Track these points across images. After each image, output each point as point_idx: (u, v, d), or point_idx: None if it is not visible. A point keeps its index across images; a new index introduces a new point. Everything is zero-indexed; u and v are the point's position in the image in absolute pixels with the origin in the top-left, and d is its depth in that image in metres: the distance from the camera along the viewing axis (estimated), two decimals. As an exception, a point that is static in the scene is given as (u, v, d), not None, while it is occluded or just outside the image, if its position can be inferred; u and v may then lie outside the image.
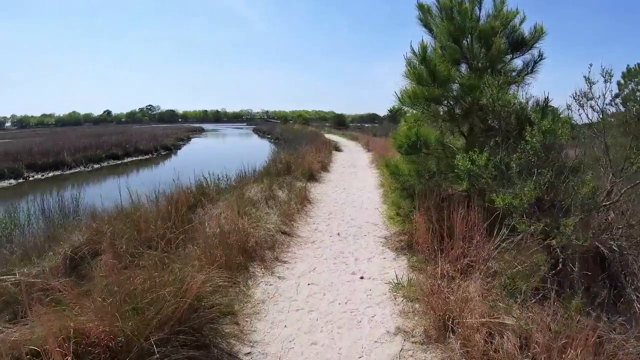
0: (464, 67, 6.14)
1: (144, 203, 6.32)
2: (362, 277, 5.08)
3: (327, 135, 38.39)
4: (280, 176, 11.12)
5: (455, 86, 5.85)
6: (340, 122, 75.64)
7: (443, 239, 4.79)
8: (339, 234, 7.03)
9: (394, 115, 72.54)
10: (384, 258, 5.73)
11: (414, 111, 6.06)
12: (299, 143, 22.18)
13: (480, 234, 4.50)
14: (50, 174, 24.23)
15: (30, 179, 22.97)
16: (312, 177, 12.15)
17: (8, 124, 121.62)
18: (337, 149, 24.53)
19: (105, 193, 7.35)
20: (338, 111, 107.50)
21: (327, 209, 8.92)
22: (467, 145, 5.78)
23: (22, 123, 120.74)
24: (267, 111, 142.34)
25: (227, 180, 10.87)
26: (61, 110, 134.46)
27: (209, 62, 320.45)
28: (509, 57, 6.13)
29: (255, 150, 28.13)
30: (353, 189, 11.04)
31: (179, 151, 38.97)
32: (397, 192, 6.10)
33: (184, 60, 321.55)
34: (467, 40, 5.98)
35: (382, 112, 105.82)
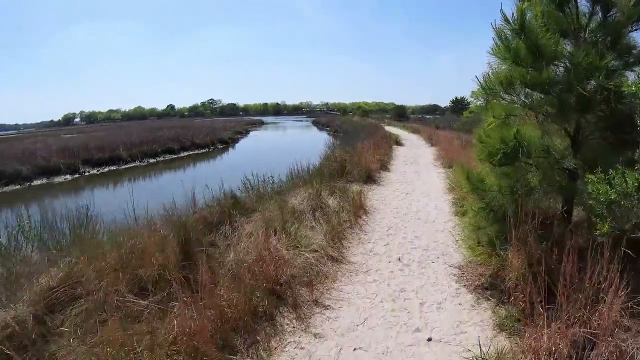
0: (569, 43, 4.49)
1: (157, 222, 5.12)
2: (429, 339, 3.64)
3: (387, 128, 36.66)
4: (333, 179, 9.80)
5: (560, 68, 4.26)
6: (400, 114, 73.48)
7: (549, 291, 3.26)
8: (399, 259, 5.60)
9: (456, 107, 69.59)
10: (459, 304, 4.24)
11: (501, 102, 4.47)
12: (357, 137, 21.08)
13: (614, 294, 2.94)
14: (106, 169, 24.33)
15: (86, 174, 23.08)
16: (369, 179, 10.78)
17: (77, 120, 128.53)
18: (398, 142, 22.85)
19: (142, 195, 6.27)
20: (398, 102, 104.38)
21: (386, 221, 7.46)
22: (576, 151, 4.18)
23: (90, 118, 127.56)
24: (327, 103, 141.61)
25: (273, 183, 9.71)
26: (127, 106, 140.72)
27: (268, 56, 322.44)
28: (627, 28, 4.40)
29: (312, 144, 26.75)
30: (416, 194, 9.54)
31: (236, 144, 38.65)
32: (482, 214, 4.50)
33: (244, 54, 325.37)
34: (569, 6, 4.33)
35: (443, 102, 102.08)
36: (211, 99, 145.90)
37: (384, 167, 12.93)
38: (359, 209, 7.59)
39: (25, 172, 20.63)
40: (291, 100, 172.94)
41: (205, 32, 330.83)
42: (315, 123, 69.67)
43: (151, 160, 27.21)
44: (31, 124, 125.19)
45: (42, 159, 22.46)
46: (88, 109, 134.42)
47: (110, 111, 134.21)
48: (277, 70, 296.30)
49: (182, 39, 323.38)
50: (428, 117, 77.93)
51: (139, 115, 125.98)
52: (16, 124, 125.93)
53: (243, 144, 40.13)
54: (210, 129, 41.69)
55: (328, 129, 50.66)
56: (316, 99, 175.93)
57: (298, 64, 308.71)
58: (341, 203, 7.70)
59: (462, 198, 8.01)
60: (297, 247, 5.34)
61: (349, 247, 6.04)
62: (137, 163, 26.13)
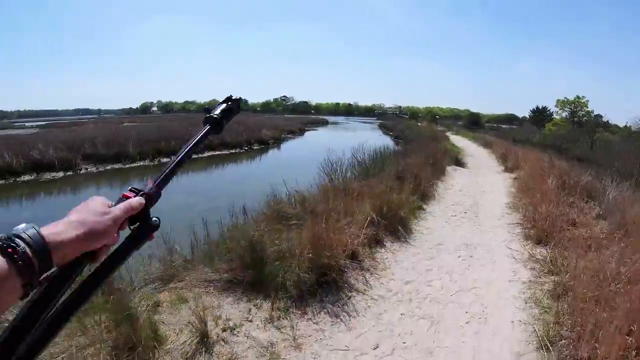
0: None
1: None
2: None
3: (454, 137, 29.37)
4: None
5: None
6: (474, 122, 65.56)
7: None
8: None
9: (537, 117, 60.08)
10: None
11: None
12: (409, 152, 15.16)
13: None
14: (108, 167, 19.90)
15: (82, 171, 18.79)
16: (331, 286, 3.96)
17: (154, 109, 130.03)
18: (459, 162, 15.58)
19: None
20: (474, 109, 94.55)
21: None
22: None
23: (166, 108, 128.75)
24: (400, 106, 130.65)
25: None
26: (203, 98, 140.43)
27: (343, 55, 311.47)
28: None
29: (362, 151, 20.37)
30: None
31: (282, 145, 33.28)
32: None
33: (319, 52, 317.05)
34: None
35: (521, 112, 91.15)
36: (284, 96, 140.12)
37: (403, 225, 6.13)
38: None
39: (15, 165, 16.87)
40: (364, 101, 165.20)
41: (281, 28, 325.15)
42: (380, 126, 62.72)
43: (164, 160, 22.06)
44: (112, 110, 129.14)
45: (37, 153, 18.21)
46: (167, 98, 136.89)
47: (186, 102, 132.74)
48: (352, 70, 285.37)
49: (260, 34, 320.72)
50: (504, 127, 68.97)
51: (212, 108, 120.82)
52: (99, 109, 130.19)
53: (289, 145, 34.57)
54: (256, 125, 36.49)
55: (391, 133, 44.26)
56: (389, 102, 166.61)
57: (373, 64, 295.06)
58: None
59: None
60: None
61: None
62: (147, 162, 21.43)
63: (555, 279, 4.34)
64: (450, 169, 13.38)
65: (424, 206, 7.85)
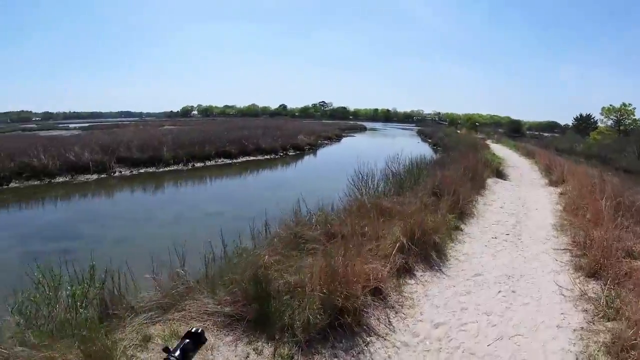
0: None
1: None
2: None
3: (494, 146, 28.16)
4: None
5: None
6: (515, 129, 63.24)
7: None
8: None
9: (580, 125, 57.19)
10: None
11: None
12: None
13: None
14: (142, 170, 19.97)
15: (116, 174, 18.91)
16: None
17: (195, 112, 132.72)
18: (500, 173, 14.72)
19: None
20: (514, 117, 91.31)
21: None
22: None
23: (206, 112, 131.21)
24: (439, 113, 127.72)
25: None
26: (242, 102, 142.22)
27: (381, 61, 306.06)
28: None
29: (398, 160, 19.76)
30: None
31: (318, 151, 33.05)
32: None
33: (357, 58, 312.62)
34: None
35: (564, 120, 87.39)
36: (322, 102, 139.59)
37: (437, 251, 5.45)
38: None
39: (51, 167, 17.20)
40: (402, 107, 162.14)
41: (317, 35, 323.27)
42: (419, 133, 61.50)
43: (198, 164, 22.28)
44: (154, 112, 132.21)
45: (73, 155, 18.58)
46: (207, 102, 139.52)
47: (226, 107, 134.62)
48: (390, 76, 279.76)
49: (297, 40, 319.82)
50: (546, 135, 65.82)
51: (252, 113, 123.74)
52: (140, 112, 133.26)
53: (325, 151, 34.32)
54: (293, 131, 36.38)
55: (430, 140, 43.79)
56: (428, 108, 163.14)
57: (411, 70, 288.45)
58: None
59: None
60: None
61: None
62: (181, 166, 21.36)
63: (613, 327, 3.66)
64: (490, 181, 12.56)
65: (462, 226, 7.17)
